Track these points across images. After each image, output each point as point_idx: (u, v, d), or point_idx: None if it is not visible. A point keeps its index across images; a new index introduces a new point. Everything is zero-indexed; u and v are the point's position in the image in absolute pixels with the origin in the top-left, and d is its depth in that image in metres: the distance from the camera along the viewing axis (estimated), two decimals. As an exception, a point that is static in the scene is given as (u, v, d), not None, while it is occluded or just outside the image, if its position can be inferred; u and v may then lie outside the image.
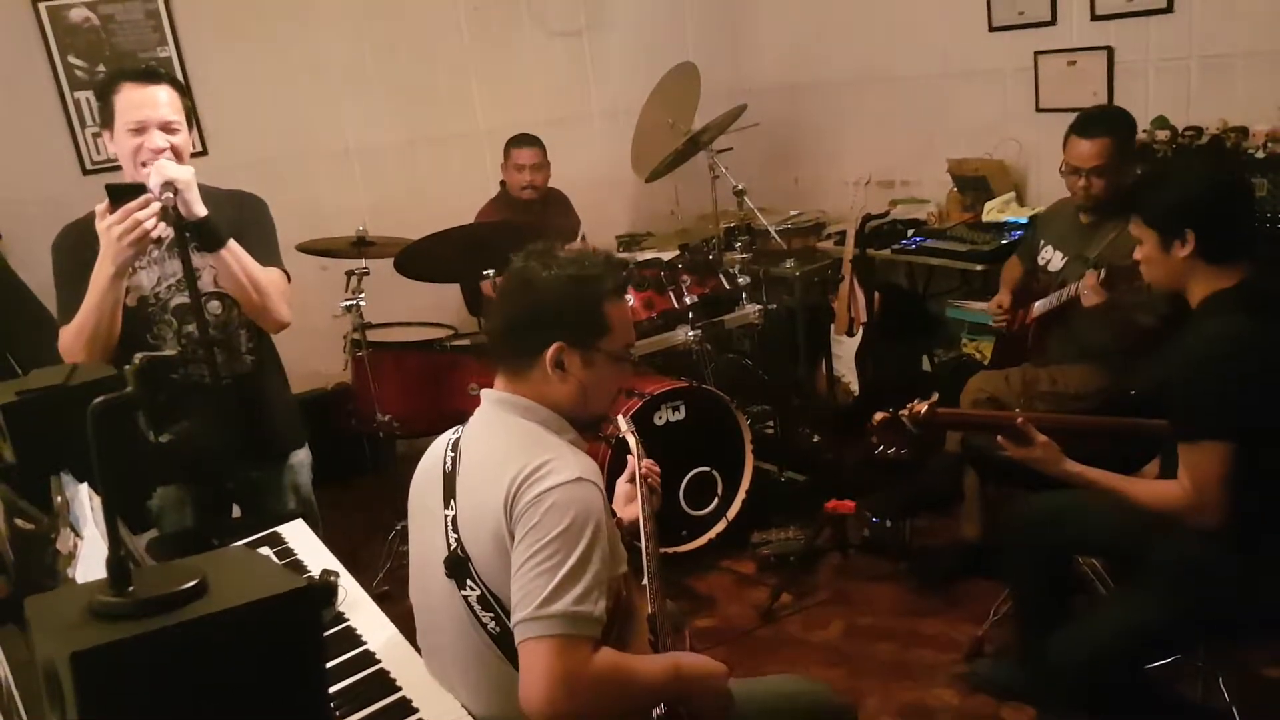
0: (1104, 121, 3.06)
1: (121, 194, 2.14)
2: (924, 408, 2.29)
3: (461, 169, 4.77)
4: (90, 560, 1.33)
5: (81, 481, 1.53)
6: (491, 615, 1.59)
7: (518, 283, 1.74)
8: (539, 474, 1.54)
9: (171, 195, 2.16)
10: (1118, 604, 2.37)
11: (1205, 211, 2.12)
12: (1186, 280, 2.16)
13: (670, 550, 3.54)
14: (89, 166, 4.17)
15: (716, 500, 3.68)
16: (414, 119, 4.88)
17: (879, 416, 2.35)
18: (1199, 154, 3.44)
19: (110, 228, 2.13)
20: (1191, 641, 2.36)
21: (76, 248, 2.33)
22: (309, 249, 3.66)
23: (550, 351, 1.67)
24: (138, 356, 0.92)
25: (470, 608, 1.61)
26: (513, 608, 1.51)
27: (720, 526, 3.68)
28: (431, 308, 4.26)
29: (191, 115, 2.43)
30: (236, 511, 2.63)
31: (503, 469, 1.57)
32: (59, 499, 1.38)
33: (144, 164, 2.28)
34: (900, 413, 2.32)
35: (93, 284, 2.22)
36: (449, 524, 1.64)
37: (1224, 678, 2.43)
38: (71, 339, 2.28)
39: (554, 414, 1.70)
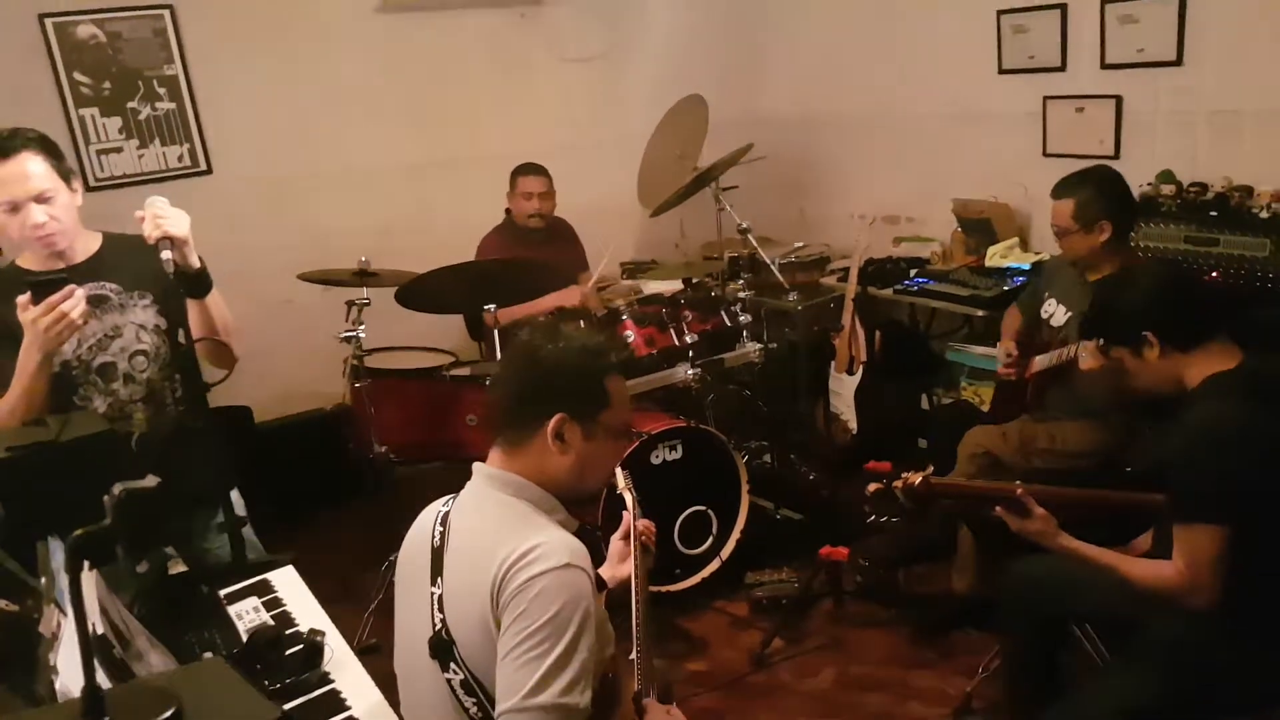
0: (1073, 182, 3.11)
1: (44, 287, 2.11)
2: (918, 479, 2.29)
3: (470, 194, 4.77)
4: (72, 643, 1.33)
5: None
6: (474, 700, 1.59)
7: (523, 355, 1.76)
8: (527, 559, 1.54)
9: (169, 251, 2.15)
10: (1108, 682, 2.36)
11: (1153, 310, 2.21)
12: (1175, 374, 2.19)
13: (663, 589, 3.54)
14: (93, 183, 4.16)
15: (711, 539, 3.68)
16: (423, 143, 4.89)
17: (873, 487, 2.34)
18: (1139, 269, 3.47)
19: (35, 320, 2.10)
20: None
21: None
22: (310, 278, 3.66)
23: (553, 422, 1.68)
24: (117, 488, 0.91)
25: (453, 691, 1.61)
26: (498, 696, 1.50)
27: (714, 566, 3.68)
28: (433, 332, 4.26)
29: (67, 174, 2.34)
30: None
31: (490, 552, 1.57)
32: (44, 579, 1.37)
33: (32, 240, 2.27)
34: (894, 484, 2.31)
35: (20, 371, 2.19)
36: (435, 602, 1.64)
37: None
38: (5, 417, 2.23)
39: (545, 493, 1.70)
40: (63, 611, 1.37)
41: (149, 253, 2.21)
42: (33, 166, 2.26)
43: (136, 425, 2.40)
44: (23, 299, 2.12)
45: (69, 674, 1.25)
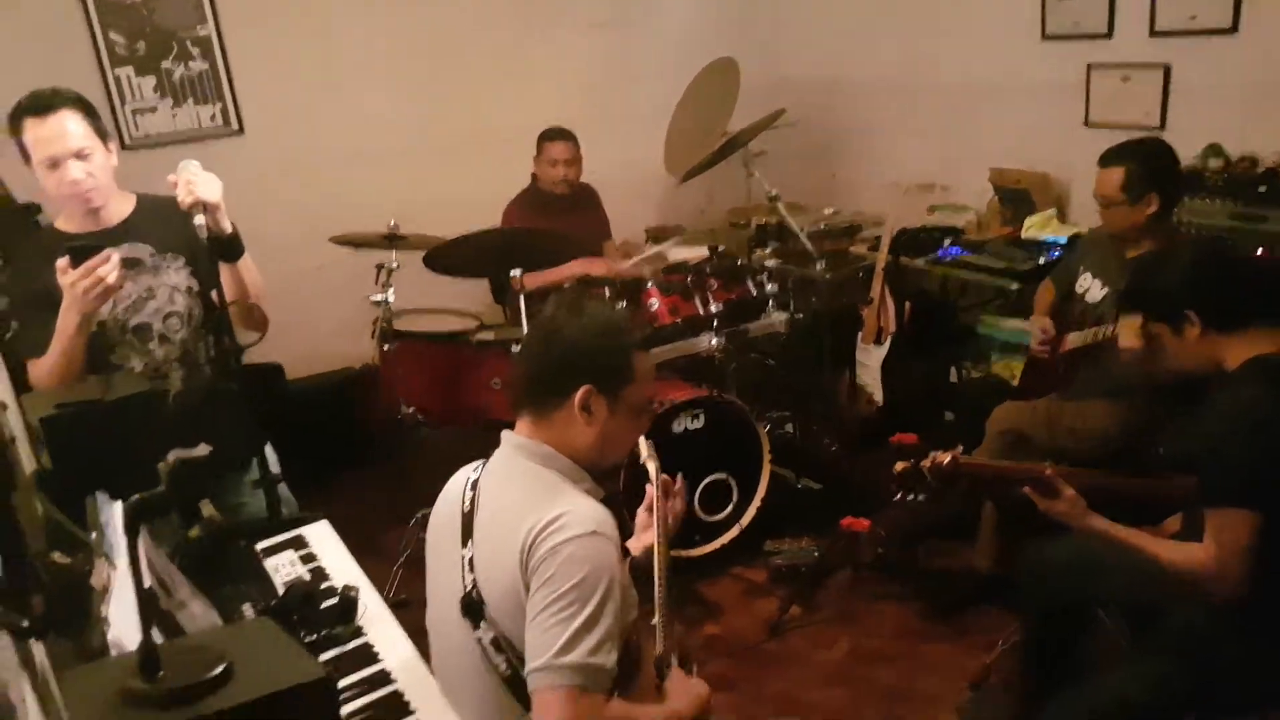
0: (1123, 152, 3.03)
1: (82, 253, 2.16)
2: (946, 459, 2.29)
3: (492, 161, 4.78)
4: (123, 596, 1.38)
5: (116, 500, 1.58)
6: (503, 658, 1.64)
7: (549, 329, 1.79)
8: (555, 526, 1.58)
9: (202, 216, 2.20)
10: (1132, 666, 2.35)
11: (1197, 287, 2.17)
12: (1214, 355, 2.16)
13: (682, 554, 3.58)
14: (128, 142, 4.21)
15: (731, 507, 3.71)
16: (446, 110, 4.91)
17: (900, 467, 2.35)
18: (1184, 245, 3.41)
19: (74, 284, 2.16)
20: (1202, 710, 2.36)
21: (31, 273, 2.36)
22: (341, 241, 3.70)
23: (579, 394, 1.72)
24: (172, 455, 0.96)
25: (484, 649, 1.66)
26: (527, 656, 1.56)
27: (733, 533, 3.72)
28: (459, 294, 4.30)
29: (104, 133, 2.40)
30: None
31: (520, 518, 1.61)
32: (94, 533, 1.43)
33: (70, 197, 2.33)
34: (922, 463, 2.32)
35: (59, 331, 2.25)
36: (466, 564, 1.69)
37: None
38: (45, 378, 2.31)
39: (572, 463, 1.74)
40: (112, 565, 1.43)
41: (182, 215, 2.26)
42: (71, 124, 2.32)
43: (172, 385, 2.46)
44: (62, 263, 2.17)
45: (120, 626, 1.30)
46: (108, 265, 2.17)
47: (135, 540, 0.95)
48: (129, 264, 2.39)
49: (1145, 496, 2.46)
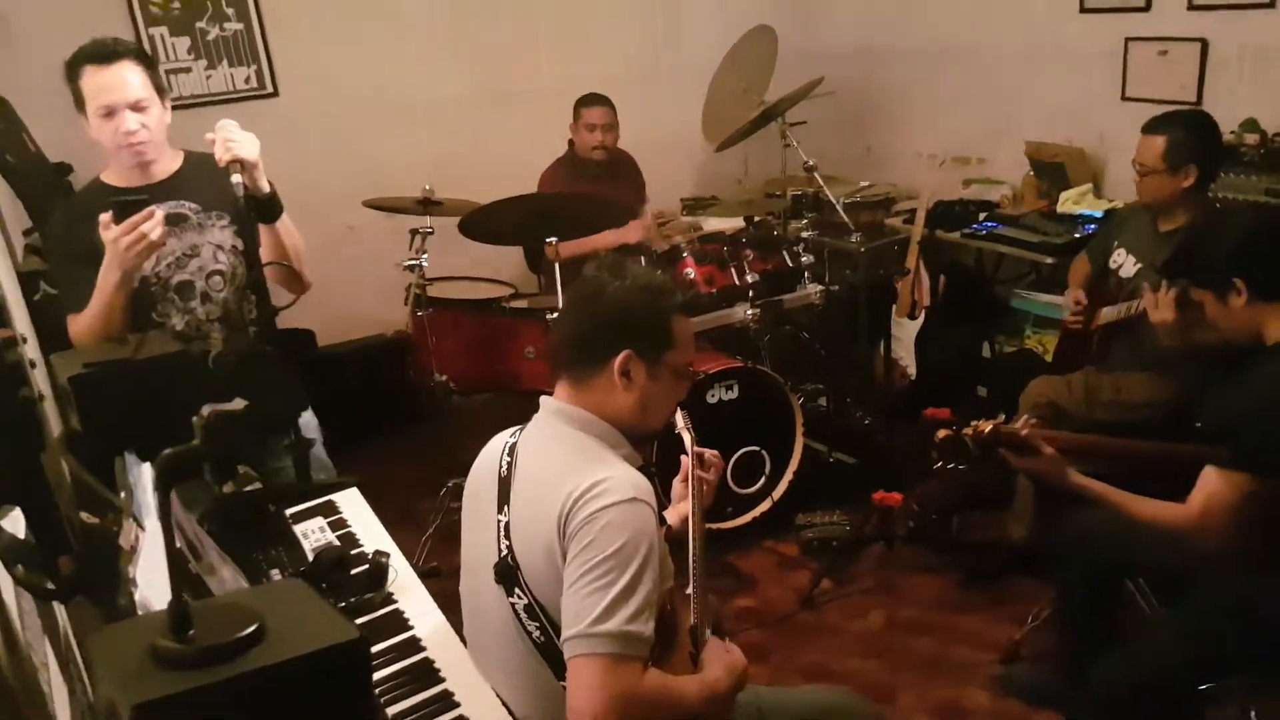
0: (1168, 120, 3.00)
1: (126, 208, 2.15)
2: (988, 427, 2.27)
3: (527, 126, 4.75)
4: (151, 557, 1.37)
5: (145, 461, 1.56)
6: (537, 625, 1.62)
7: (589, 292, 1.76)
8: (594, 492, 1.55)
9: (239, 173, 2.18)
10: (1166, 633, 2.35)
11: (1247, 255, 2.16)
12: (1259, 324, 2.14)
13: (714, 526, 3.56)
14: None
15: (764, 479, 3.69)
16: (481, 74, 4.86)
17: (942, 434, 2.32)
18: (1232, 210, 3.34)
19: (116, 239, 2.15)
20: (1234, 675, 2.34)
21: (76, 229, 2.35)
22: (375, 205, 3.68)
23: (619, 360, 1.69)
24: (206, 409, 0.93)
25: (517, 615, 1.64)
26: (564, 623, 1.53)
27: (765, 505, 3.70)
28: (493, 262, 4.28)
29: (162, 88, 2.38)
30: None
31: (558, 484, 1.58)
32: (123, 493, 1.41)
33: (123, 148, 2.31)
34: (964, 431, 2.29)
35: (100, 287, 2.24)
36: (501, 529, 1.67)
37: (1256, 709, 2.39)
38: (85, 334, 2.31)
39: (611, 428, 1.71)
40: (140, 526, 1.41)
41: (227, 174, 2.24)
42: (131, 75, 2.30)
43: (213, 345, 2.45)
44: (105, 217, 2.16)
45: (148, 587, 1.28)
46: (151, 222, 2.16)
47: (167, 496, 0.92)
48: (173, 220, 2.38)
49: (1179, 463, 2.42)
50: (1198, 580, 2.26)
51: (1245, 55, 3.71)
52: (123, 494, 1.41)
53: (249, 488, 1.60)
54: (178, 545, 1.34)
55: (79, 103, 2.31)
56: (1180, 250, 2.42)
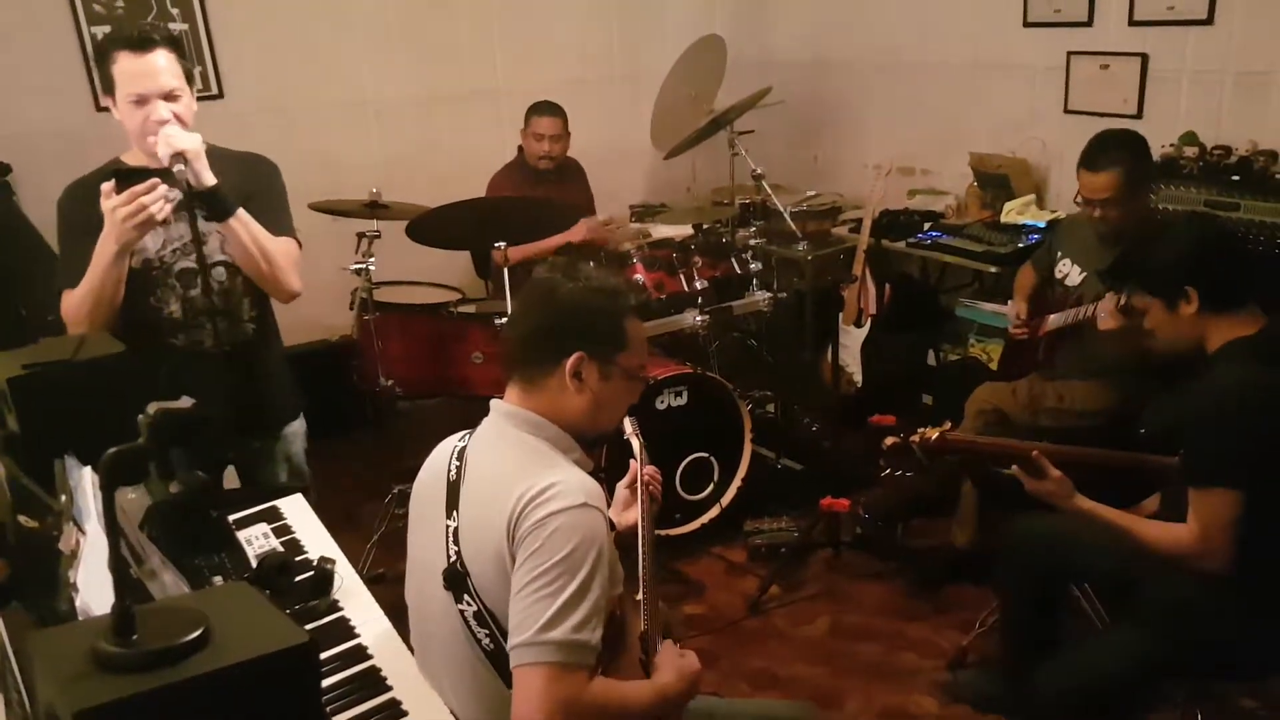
0: (1111, 152, 2.97)
1: (128, 177, 2.12)
2: (935, 434, 2.28)
3: (479, 127, 4.72)
4: (92, 561, 1.33)
5: (85, 464, 1.53)
6: (486, 632, 1.59)
7: (541, 293, 1.74)
8: (544, 496, 1.53)
9: (182, 165, 2.15)
10: (1111, 638, 2.39)
11: (1201, 265, 2.16)
12: (1201, 333, 2.17)
13: (663, 533, 3.55)
14: (103, 103, 4.09)
15: (712, 486, 3.69)
16: (433, 74, 4.82)
17: (889, 441, 2.34)
18: (1183, 218, 3.39)
19: (115, 209, 2.11)
20: (1178, 677, 2.39)
21: (83, 206, 2.30)
22: (321, 208, 3.63)
23: (570, 361, 1.67)
24: (152, 407, 0.91)
25: (466, 622, 1.61)
26: (510, 630, 1.51)
27: (714, 512, 3.70)
28: (441, 267, 4.24)
29: (191, 77, 2.37)
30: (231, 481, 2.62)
31: (508, 488, 1.56)
32: (64, 496, 1.37)
33: (150, 136, 2.25)
34: (910, 438, 2.31)
35: (95, 260, 2.20)
36: (450, 535, 1.64)
37: (1202, 710, 2.45)
38: (75, 309, 2.26)
39: (562, 432, 1.69)
40: (81, 530, 1.38)
41: (240, 167, 2.26)
42: (166, 65, 2.28)
43: (207, 336, 2.40)
44: (107, 186, 2.13)
45: (89, 592, 1.25)
46: (152, 195, 2.12)
47: (111, 496, 0.89)
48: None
49: (1126, 471, 2.47)
50: (1141, 584, 2.29)
51: (1184, 70, 3.81)
52: (63, 497, 1.38)
53: (194, 487, 1.56)
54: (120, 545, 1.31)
55: (108, 86, 2.28)
56: (1124, 256, 2.44)
